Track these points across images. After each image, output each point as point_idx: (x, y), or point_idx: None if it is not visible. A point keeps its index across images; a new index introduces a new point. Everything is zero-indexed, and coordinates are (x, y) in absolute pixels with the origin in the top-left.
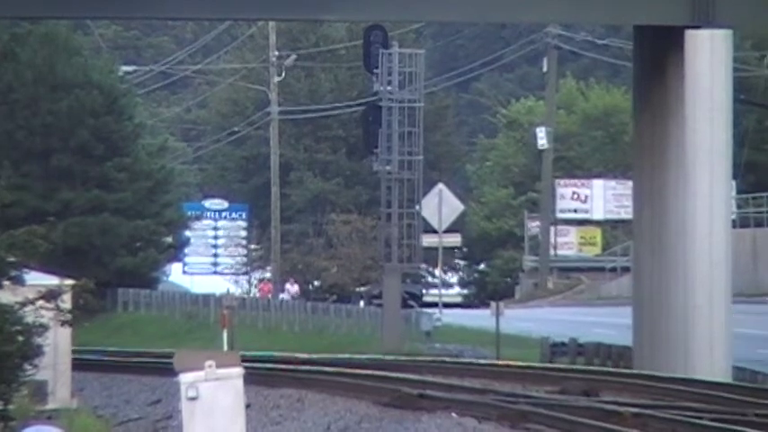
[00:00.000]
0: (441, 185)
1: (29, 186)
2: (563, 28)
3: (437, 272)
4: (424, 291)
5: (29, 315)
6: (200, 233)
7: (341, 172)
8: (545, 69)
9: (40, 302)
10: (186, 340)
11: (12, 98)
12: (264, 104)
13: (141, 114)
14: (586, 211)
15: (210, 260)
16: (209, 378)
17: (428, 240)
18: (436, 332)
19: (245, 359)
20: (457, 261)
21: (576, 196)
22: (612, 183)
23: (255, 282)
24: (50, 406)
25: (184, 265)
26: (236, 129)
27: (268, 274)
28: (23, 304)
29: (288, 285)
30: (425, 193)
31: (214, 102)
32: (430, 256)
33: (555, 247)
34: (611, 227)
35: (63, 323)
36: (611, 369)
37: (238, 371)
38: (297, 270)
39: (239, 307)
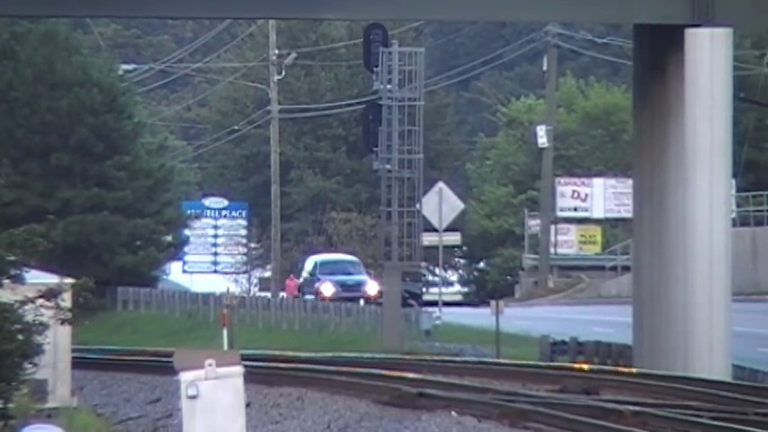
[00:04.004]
0: (441, 184)
1: (28, 185)
2: (563, 26)
3: (437, 270)
4: (423, 289)
5: (29, 313)
6: (199, 232)
7: (341, 170)
8: (545, 68)
9: (40, 301)
10: (186, 339)
11: (11, 96)
12: (264, 103)
13: (141, 113)
14: (586, 210)
15: (210, 259)
16: (209, 377)
17: (428, 239)
18: (436, 331)
19: (244, 357)
20: (457, 259)
21: (576, 195)
22: (612, 181)
23: (255, 280)
24: (50, 404)
25: (184, 263)
26: (235, 127)
27: (268, 273)
28: (23, 303)
29: None
30: (425, 192)
31: (214, 100)
32: (430, 254)
33: (555, 246)
34: (611, 225)
35: (63, 322)
36: (611, 368)
37: (238, 369)
38: (296, 269)
39: (239, 306)
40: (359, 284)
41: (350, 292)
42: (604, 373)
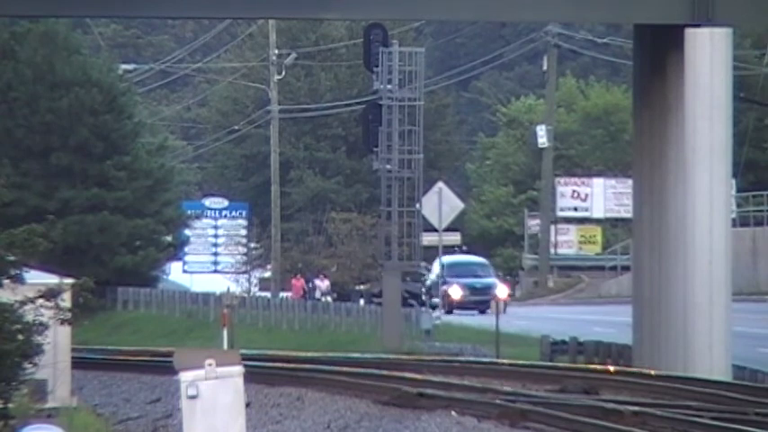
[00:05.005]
0: (441, 184)
1: (28, 185)
2: (563, 27)
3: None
4: (423, 289)
5: (29, 314)
6: (199, 232)
7: (341, 170)
8: (545, 68)
9: (40, 301)
10: (186, 339)
11: (11, 96)
12: (264, 103)
13: (141, 113)
14: (586, 210)
15: (210, 259)
16: (209, 376)
17: (428, 239)
18: (436, 331)
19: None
20: None
21: (576, 195)
22: (612, 181)
23: (256, 280)
24: (50, 405)
25: (184, 263)
26: (236, 127)
27: (268, 273)
28: (23, 303)
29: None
30: (425, 192)
31: (214, 100)
32: (430, 254)
33: (555, 246)
34: (611, 225)
35: (63, 322)
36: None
37: (238, 369)
38: (296, 268)
39: (239, 305)
40: (488, 288)
41: (478, 296)
42: (608, 374)
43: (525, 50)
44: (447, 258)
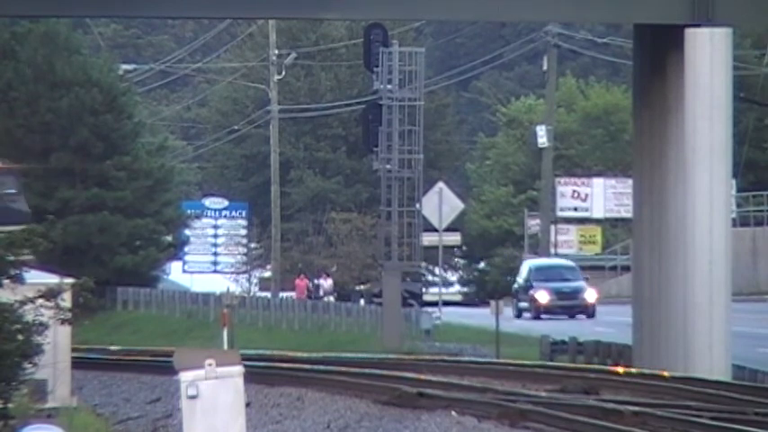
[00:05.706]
0: (441, 184)
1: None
2: (563, 26)
3: (437, 270)
4: (423, 289)
5: (29, 314)
6: (199, 232)
7: (341, 170)
8: (545, 68)
9: (40, 301)
10: (186, 339)
11: (11, 96)
12: (264, 103)
13: (141, 113)
14: (586, 210)
15: (210, 259)
16: (209, 376)
17: (428, 239)
18: (436, 331)
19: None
20: (457, 259)
21: (576, 195)
22: (612, 181)
23: (256, 280)
24: (50, 404)
25: (184, 263)
26: (235, 127)
27: (268, 273)
28: (23, 303)
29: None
30: (425, 192)
31: (214, 100)
32: (430, 254)
33: (555, 246)
34: (611, 225)
35: (63, 322)
36: (610, 368)
37: (238, 369)
38: (297, 269)
39: (239, 305)
40: (576, 292)
41: (566, 300)
42: (607, 374)
43: (525, 50)
44: (534, 261)
